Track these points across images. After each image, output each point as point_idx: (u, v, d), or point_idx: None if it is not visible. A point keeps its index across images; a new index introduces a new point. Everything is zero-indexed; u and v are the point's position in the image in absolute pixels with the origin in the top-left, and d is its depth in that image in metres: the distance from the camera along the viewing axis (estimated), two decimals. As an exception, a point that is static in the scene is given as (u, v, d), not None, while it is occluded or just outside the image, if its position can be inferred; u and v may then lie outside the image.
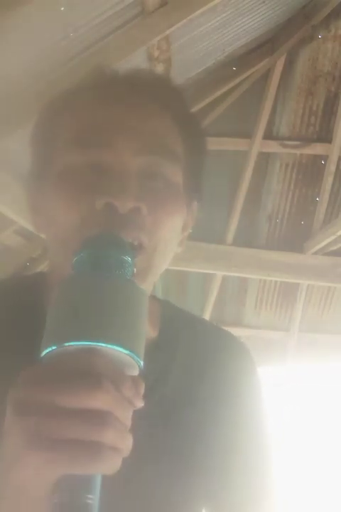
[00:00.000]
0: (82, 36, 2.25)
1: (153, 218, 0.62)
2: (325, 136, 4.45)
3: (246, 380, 0.78)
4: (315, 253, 4.44)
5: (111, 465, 0.43)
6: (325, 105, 4.38)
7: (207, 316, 4.84)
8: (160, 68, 2.73)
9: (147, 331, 0.70)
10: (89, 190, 0.60)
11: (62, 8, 2.01)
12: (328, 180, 4.41)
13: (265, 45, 4.11)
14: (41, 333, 0.48)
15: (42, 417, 0.43)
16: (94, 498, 0.44)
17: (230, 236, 4.47)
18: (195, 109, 3.60)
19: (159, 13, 2.34)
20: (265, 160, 4.55)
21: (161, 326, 0.75)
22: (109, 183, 0.59)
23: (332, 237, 3.98)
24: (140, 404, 0.47)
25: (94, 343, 0.44)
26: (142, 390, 0.47)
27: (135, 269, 0.53)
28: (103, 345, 0.45)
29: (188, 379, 0.73)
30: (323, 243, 4.18)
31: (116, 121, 0.63)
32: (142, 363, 0.47)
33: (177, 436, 0.69)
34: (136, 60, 2.61)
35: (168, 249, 0.66)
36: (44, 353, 0.46)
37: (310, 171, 4.58)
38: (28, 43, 2.07)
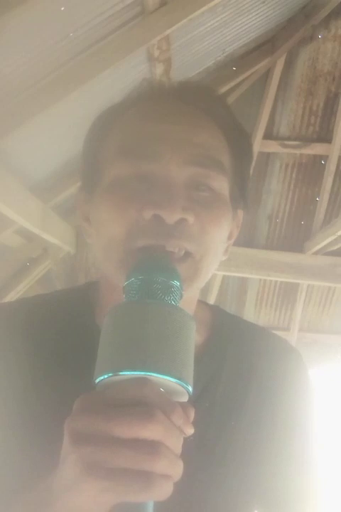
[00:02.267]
0: (82, 36, 2.25)
1: (200, 229, 0.63)
2: (325, 136, 4.45)
3: (296, 385, 0.78)
4: (315, 253, 4.44)
5: (162, 492, 0.45)
6: (325, 105, 4.38)
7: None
8: (160, 68, 2.73)
9: (196, 336, 0.71)
10: (137, 202, 0.62)
11: (62, 8, 2.00)
12: (328, 180, 4.41)
13: (265, 45, 4.11)
14: (94, 351, 0.50)
15: (98, 446, 0.45)
16: None
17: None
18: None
19: (159, 13, 2.34)
20: (265, 160, 4.55)
21: (210, 332, 0.76)
22: (157, 195, 0.61)
23: (332, 237, 3.98)
24: (190, 431, 0.49)
25: (146, 373, 0.47)
26: (192, 417, 0.49)
27: (184, 293, 0.54)
28: (154, 375, 0.47)
29: (238, 385, 0.73)
30: (323, 243, 4.18)
31: (163, 133, 0.64)
32: (191, 389, 0.49)
33: (228, 442, 0.70)
34: (136, 60, 2.61)
35: (214, 258, 0.67)
36: (98, 380, 0.48)
37: (310, 171, 4.58)
38: (28, 43, 2.07)
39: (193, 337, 0.51)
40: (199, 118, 0.67)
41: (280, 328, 5.14)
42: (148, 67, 2.77)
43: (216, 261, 0.68)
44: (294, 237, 4.65)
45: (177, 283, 0.54)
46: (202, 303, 0.77)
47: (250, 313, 5.11)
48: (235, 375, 0.73)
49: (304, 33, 4.10)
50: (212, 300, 4.89)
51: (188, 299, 0.67)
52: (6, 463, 0.65)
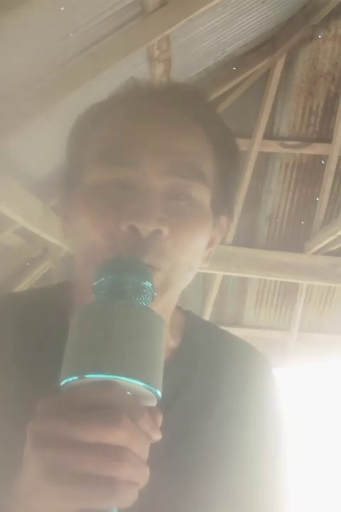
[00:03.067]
0: (82, 36, 2.25)
1: (175, 241, 0.62)
2: (325, 136, 4.45)
3: (263, 390, 0.78)
4: (315, 253, 4.44)
5: (127, 499, 0.44)
6: (325, 105, 4.38)
7: (207, 316, 4.84)
8: (160, 68, 2.73)
9: (169, 340, 0.70)
10: (115, 211, 0.61)
11: (62, 8, 2.00)
12: (328, 180, 4.41)
13: (265, 45, 4.11)
14: (61, 356, 0.48)
15: (60, 450, 0.43)
16: None
17: (230, 236, 4.48)
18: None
19: (159, 13, 2.34)
20: (265, 160, 4.55)
21: (183, 337, 0.75)
22: (134, 205, 0.60)
23: (332, 237, 3.98)
24: (157, 437, 0.47)
25: (113, 377, 0.45)
26: (159, 423, 0.48)
27: (155, 294, 0.53)
28: (122, 378, 0.45)
29: (209, 390, 0.73)
30: (323, 243, 4.18)
31: (144, 139, 0.63)
32: (160, 392, 0.47)
33: (197, 447, 0.69)
34: (136, 60, 2.61)
35: (188, 269, 0.66)
36: (63, 382, 0.47)
37: (310, 171, 4.58)
38: (28, 43, 2.07)
39: (163, 340, 0.49)
40: (184, 123, 0.66)
41: (280, 328, 5.14)
42: (148, 67, 2.77)
43: (190, 272, 0.67)
44: (294, 237, 4.65)
45: (149, 284, 0.52)
46: (177, 308, 0.76)
47: (250, 313, 5.11)
48: (206, 381, 0.73)
49: (304, 33, 4.10)
50: (212, 300, 4.89)
51: (165, 305, 0.66)
52: None
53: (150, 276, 0.53)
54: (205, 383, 0.73)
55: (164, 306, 0.66)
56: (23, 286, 4.27)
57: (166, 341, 0.68)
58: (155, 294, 0.53)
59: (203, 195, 0.65)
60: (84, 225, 0.63)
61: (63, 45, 2.22)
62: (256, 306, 5.10)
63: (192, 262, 0.66)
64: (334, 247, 4.29)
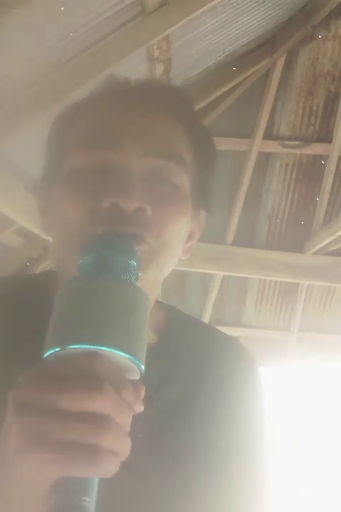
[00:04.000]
0: (82, 36, 2.25)
1: (158, 218, 0.62)
2: (325, 136, 4.45)
3: (246, 385, 0.78)
4: (315, 253, 4.44)
5: (108, 469, 0.44)
6: (325, 105, 4.38)
7: (206, 316, 4.85)
8: (160, 68, 2.73)
9: (150, 335, 0.70)
10: (95, 190, 0.61)
11: (62, 8, 2.01)
12: (328, 180, 4.41)
13: (265, 45, 4.11)
14: (46, 333, 0.48)
15: (42, 418, 0.43)
16: (90, 501, 0.45)
17: (230, 236, 4.48)
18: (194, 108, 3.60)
19: (159, 13, 2.34)
20: (265, 160, 4.55)
21: (165, 330, 0.76)
22: (115, 183, 0.60)
23: (332, 237, 3.98)
24: (140, 408, 0.47)
25: (96, 347, 0.45)
26: (142, 395, 0.48)
27: (140, 274, 0.53)
28: (105, 349, 0.45)
29: (191, 382, 0.73)
30: (323, 243, 4.18)
31: (124, 124, 0.64)
32: (143, 367, 0.48)
33: (179, 439, 0.69)
34: (136, 60, 2.61)
35: (172, 251, 0.66)
36: (46, 354, 0.47)
37: (310, 171, 4.58)
38: (28, 43, 2.07)
39: (147, 316, 0.49)
40: (163, 114, 0.67)
41: (280, 328, 5.14)
42: (148, 67, 2.78)
43: (174, 256, 0.68)
44: (294, 237, 4.65)
45: (134, 263, 0.52)
46: (157, 302, 0.76)
47: (250, 313, 5.11)
48: (189, 373, 0.73)
49: (304, 33, 4.10)
50: (212, 300, 4.89)
51: (148, 288, 0.66)
52: None
53: (135, 255, 0.53)
54: (188, 376, 0.73)
55: (147, 288, 0.66)
56: (23, 286, 4.27)
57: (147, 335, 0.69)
58: (140, 273, 0.53)
59: (183, 180, 0.66)
60: (64, 208, 0.63)
61: (63, 45, 2.22)
62: (256, 306, 5.10)
63: (175, 244, 0.66)
64: (334, 247, 4.29)
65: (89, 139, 0.64)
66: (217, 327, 0.86)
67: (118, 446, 0.45)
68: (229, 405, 0.74)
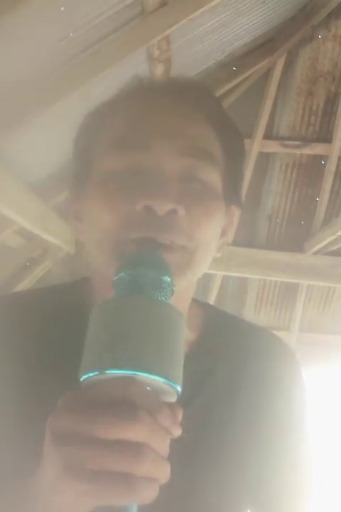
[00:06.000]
0: (82, 36, 2.25)
1: (191, 220, 0.62)
2: (325, 136, 4.45)
3: (289, 382, 0.78)
4: (315, 253, 4.44)
5: (146, 495, 0.44)
6: (325, 105, 4.38)
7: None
8: (160, 68, 2.73)
9: (187, 333, 0.70)
10: (128, 193, 0.61)
11: (62, 8, 2.01)
12: (328, 180, 4.41)
13: (265, 45, 4.11)
14: (82, 350, 0.48)
15: (79, 447, 0.43)
16: None
17: (230, 236, 4.46)
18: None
19: (159, 13, 2.34)
20: (265, 160, 4.55)
21: (202, 328, 0.75)
22: (148, 186, 0.60)
23: (332, 237, 3.98)
24: (177, 432, 0.47)
25: (133, 372, 0.45)
26: (179, 418, 0.47)
27: (175, 288, 0.53)
28: (141, 374, 0.45)
29: (231, 381, 0.72)
30: (323, 243, 4.18)
31: (155, 124, 0.64)
32: (180, 388, 0.47)
33: (221, 440, 0.69)
34: (136, 60, 2.61)
35: (207, 251, 0.66)
36: (83, 378, 0.47)
37: (310, 171, 4.58)
38: (28, 43, 2.07)
39: (183, 335, 0.49)
40: (190, 113, 0.66)
41: (280, 328, 5.14)
42: (148, 67, 2.77)
43: (209, 256, 0.68)
44: (294, 237, 4.65)
45: (168, 279, 0.52)
46: (193, 300, 0.76)
47: (250, 314, 5.11)
48: (228, 372, 0.73)
49: (304, 33, 4.10)
50: (211, 300, 4.89)
51: (182, 296, 0.66)
52: None
53: (169, 270, 0.53)
54: (227, 374, 0.72)
55: (184, 294, 0.67)
56: (23, 286, 4.27)
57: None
58: (174, 288, 0.53)
59: (215, 178, 0.65)
60: (98, 212, 0.63)
61: (63, 45, 2.22)
62: (256, 306, 5.10)
63: (209, 243, 0.66)
64: (334, 247, 4.29)
65: (121, 141, 0.63)
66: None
67: (156, 472, 0.44)
68: (270, 401, 0.74)
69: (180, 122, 0.65)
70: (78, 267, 4.29)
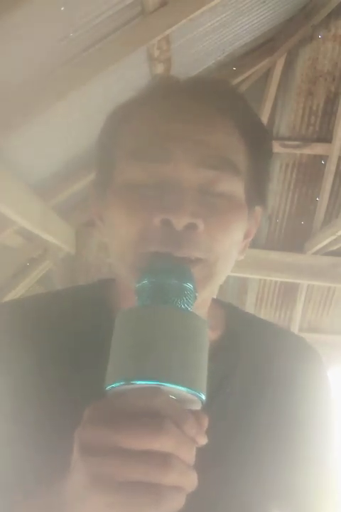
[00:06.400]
0: (82, 36, 2.25)
1: (209, 236, 0.61)
2: (325, 136, 4.45)
3: (314, 384, 0.77)
4: (315, 253, 4.44)
5: (173, 505, 0.44)
6: (325, 105, 4.38)
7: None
8: (160, 68, 2.73)
9: (209, 333, 0.70)
10: (147, 206, 0.60)
11: (62, 8, 2.01)
12: (328, 180, 4.41)
13: (265, 45, 4.11)
14: (108, 356, 0.49)
15: (106, 458, 0.44)
16: None
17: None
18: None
19: (159, 13, 2.34)
20: (265, 160, 4.55)
21: (224, 329, 0.75)
22: (166, 199, 0.59)
23: (332, 237, 3.98)
24: (203, 441, 0.47)
25: (158, 383, 0.46)
26: (205, 426, 0.48)
27: (197, 294, 0.53)
28: (166, 385, 0.46)
29: (253, 382, 0.72)
30: (323, 243, 4.18)
31: (175, 134, 0.62)
32: (204, 397, 0.48)
33: (244, 441, 0.69)
34: (136, 60, 2.61)
35: (226, 263, 0.66)
36: (109, 387, 0.48)
37: (310, 171, 4.58)
38: (28, 43, 2.07)
39: (207, 342, 0.50)
40: (213, 116, 0.65)
41: (280, 328, 5.14)
42: (148, 67, 2.77)
43: (229, 265, 0.67)
44: (294, 237, 4.65)
45: (190, 286, 0.52)
46: (214, 300, 0.75)
47: (250, 313, 5.10)
48: (250, 373, 0.72)
49: (304, 33, 4.10)
50: (212, 300, 4.89)
51: (202, 300, 0.66)
52: (19, 462, 0.64)
53: (192, 277, 0.53)
54: (249, 375, 0.72)
55: (205, 298, 0.66)
56: (23, 286, 4.27)
57: None
58: (197, 294, 0.53)
59: (237, 188, 0.64)
60: (118, 223, 0.63)
61: (63, 45, 2.22)
62: (256, 306, 5.10)
63: (229, 254, 0.66)
64: (334, 247, 4.29)
65: (141, 152, 0.63)
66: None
67: (182, 481, 0.45)
68: (295, 403, 0.73)
69: (201, 129, 0.63)
70: (78, 267, 4.30)
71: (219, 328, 0.75)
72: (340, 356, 5.02)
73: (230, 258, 0.66)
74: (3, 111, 2.19)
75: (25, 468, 0.63)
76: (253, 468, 0.68)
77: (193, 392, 0.47)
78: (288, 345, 0.79)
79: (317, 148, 4.47)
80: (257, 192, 0.69)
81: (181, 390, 0.46)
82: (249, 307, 5.09)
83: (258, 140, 0.68)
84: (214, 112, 0.65)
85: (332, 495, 0.77)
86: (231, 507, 0.67)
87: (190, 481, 0.46)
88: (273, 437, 0.70)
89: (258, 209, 0.72)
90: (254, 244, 4.63)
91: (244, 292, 5.04)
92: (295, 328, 5.06)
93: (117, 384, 0.47)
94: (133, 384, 0.46)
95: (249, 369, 0.72)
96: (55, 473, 0.51)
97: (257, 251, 4.52)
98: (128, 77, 2.70)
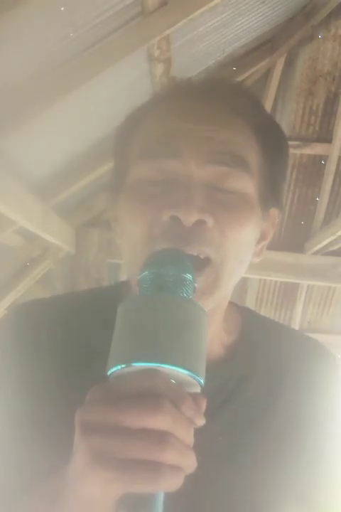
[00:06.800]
0: (82, 36, 2.25)
1: (220, 231, 0.61)
2: (325, 136, 4.45)
3: (329, 386, 0.77)
4: (315, 253, 4.44)
5: (171, 483, 0.45)
6: (325, 105, 4.38)
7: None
8: (160, 68, 2.73)
9: (225, 337, 0.70)
10: (156, 203, 0.61)
11: (62, 8, 2.01)
12: (328, 180, 4.41)
13: (265, 45, 4.11)
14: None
15: (106, 436, 0.45)
16: None
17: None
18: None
19: (159, 13, 2.34)
20: (265, 160, 4.55)
21: (240, 332, 0.75)
22: (175, 195, 0.59)
23: (332, 237, 3.98)
24: (201, 422, 0.48)
25: (157, 365, 0.47)
26: (203, 408, 0.49)
27: (196, 285, 0.54)
28: (164, 366, 0.47)
29: (269, 384, 0.72)
30: (323, 243, 4.18)
31: (184, 131, 0.62)
32: (202, 380, 0.49)
33: (258, 444, 0.69)
34: (136, 60, 2.61)
35: (238, 262, 0.65)
36: (110, 371, 0.49)
37: (310, 171, 4.58)
38: (28, 43, 2.07)
39: (205, 329, 0.50)
40: (224, 114, 0.65)
41: (280, 328, 5.14)
42: (148, 67, 2.77)
43: (240, 267, 0.66)
44: (294, 237, 4.65)
45: (189, 276, 0.53)
46: (231, 304, 0.76)
47: (250, 313, 5.10)
48: (266, 376, 0.72)
49: (304, 33, 4.10)
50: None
51: (218, 302, 0.66)
52: (25, 451, 0.66)
53: (191, 269, 0.54)
54: (265, 379, 0.72)
55: (217, 303, 0.66)
56: (23, 286, 4.28)
57: (220, 338, 0.69)
58: (196, 284, 0.54)
59: (247, 185, 0.63)
60: (128, 220, 0.64)
61: (63, 45, 2.22)
62: (256, 306, 5.10)
63: (241, 253, 0.65)
64: (334, 247, 4.29)
65: (150, 149, 0.63)
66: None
67: (180, 460, 0.45)
68: (311, 405, 0.73)
69: (211, 127, 0.63)
70: (78, 267, 4.30)
71: (235, 331, 0.75)
72: (340, 356, 5.02)
73: (241, 258, 0.65)
74: (3, 111, 2.19)
75: (34, 458, 0.64)
76: (270, 469, 0.69)
77: (191, 374, 0.48)
78: (305, 348, 0.79)
79: (317, 149, 4.47)
80: (271, 192, 0.68)
81: (180, 371, 0.47)
82: (249, 307, 5.09)
83: (271, 140, 0.68)
84: (225, 110, 0.65)
85: None
86: (246, 507, 0.68)
87: (188, 461, 0.46)
88: (290, 439, 0.71)
89: (273, 211, 0.71)
90: (254, 244, 4.63)
91: (244, 292, 5.04)
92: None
93: (117, 367, 0.48)
94: (132, 366, 0.47)
95: (265, 372, 0.73)
96: (62, 461, 0.52)
97: (257, 251, 4.52)
98: (128, 77, 2.70)
